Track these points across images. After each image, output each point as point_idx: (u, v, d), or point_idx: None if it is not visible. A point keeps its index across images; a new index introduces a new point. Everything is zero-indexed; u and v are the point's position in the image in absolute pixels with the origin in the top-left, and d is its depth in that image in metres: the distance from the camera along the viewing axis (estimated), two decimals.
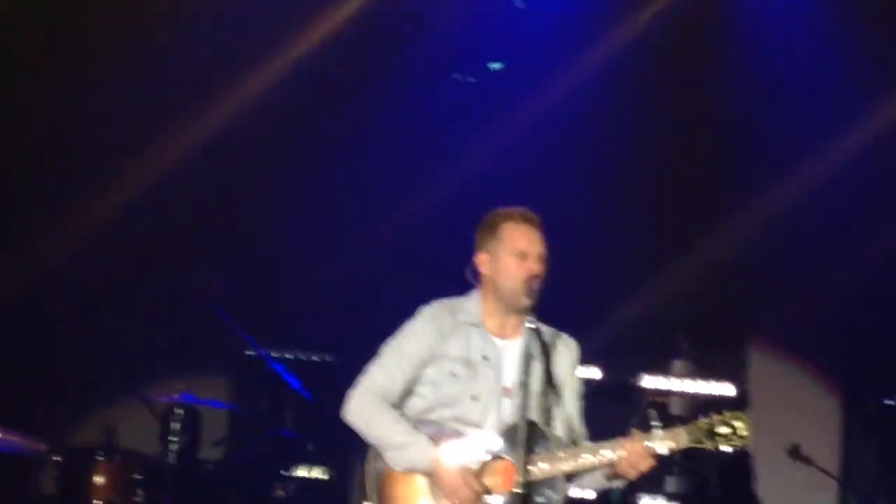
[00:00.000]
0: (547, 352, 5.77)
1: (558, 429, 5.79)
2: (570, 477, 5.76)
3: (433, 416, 5.78)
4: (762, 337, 10.27)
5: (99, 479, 8.55)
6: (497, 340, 5.85)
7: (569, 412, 5.85)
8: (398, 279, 9.43)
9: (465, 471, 5.69)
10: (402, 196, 10.01)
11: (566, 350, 5.93)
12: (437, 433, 5.75)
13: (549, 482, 5.68)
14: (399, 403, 5.83)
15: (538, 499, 5.64)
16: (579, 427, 5.89)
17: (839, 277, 10.02)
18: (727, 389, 9.82)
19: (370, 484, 5.82)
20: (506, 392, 5.78)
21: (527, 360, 5.66)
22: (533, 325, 5.70)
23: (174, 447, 8.57)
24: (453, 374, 5.79)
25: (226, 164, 9.92)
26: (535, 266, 5.77)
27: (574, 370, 5.95)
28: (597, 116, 9.95)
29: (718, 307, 10.27)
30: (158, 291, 9.86)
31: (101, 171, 9.78)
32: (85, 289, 9.90)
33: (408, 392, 5.85)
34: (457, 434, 5.75)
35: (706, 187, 10.12)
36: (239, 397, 9.81)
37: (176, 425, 8.61)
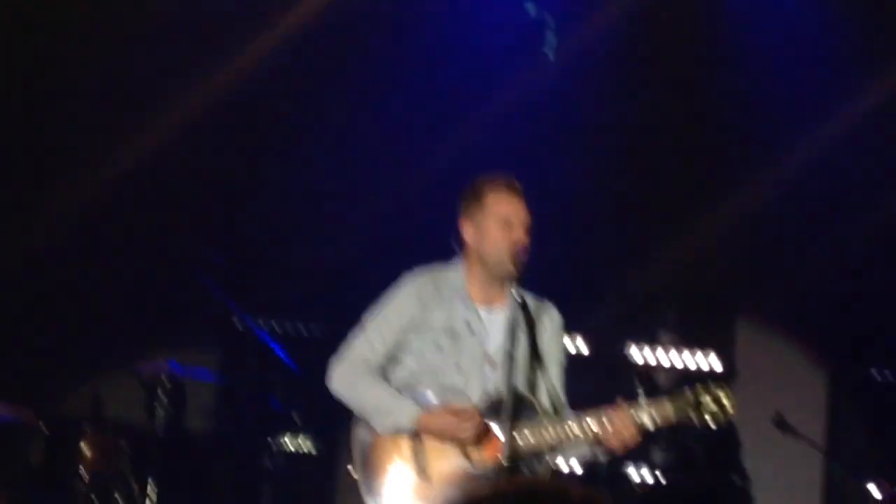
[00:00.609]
0: (532, 322, 5.76)
1: (543, 399, 5.79)
2: (555, 448, 5.76)
3: (417, 385, 5.79)
4: (750, 309, 10.27)
5: (86, 449, 8.53)
6: (481, 310, 5.84)
7: (553, 382, 5.85)
8: (386, 249, 9.41)
9: (454, 409, 5.68)
10: (390, 166, 9.98)
11: (550, 320, 5.93)
12: (422, 402, 5.75)
13: (534, 453, 5.69)
14: (382, 372, 5.83)
15: (524, 470, 5.65)
16: (562, 397, 5.88)
17: (827, 250, 10.02)
18: (714, 362, 9.83)
19: (355, 452, 5.83)
20: (490, 362, 5.78)
21: (512, 329, 5.66)
22: (518, 295, 5.69)
23: (161, 417, 8.55)
24: (437, 344, 5.78)
25: (213, 132, 9.88)
26: (520, 234, 5.76)
27: (558, 340, 5.95)
28: (587, 91, 9.92)
29: (706, 280, 10.27)
30: (146, 261, 9.84)
31: (86, 141, 9.75)
32: (71, 258, 9.88)
33: (391, 361, 5.85)
34: (441, 404, 5.75)
35: (696, 161, 10.11)
36: (226, 368, 9.78)
37: (163, 396, 8.59)
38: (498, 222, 5.78)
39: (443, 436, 5.68)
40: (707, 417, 5.70)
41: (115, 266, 9.88)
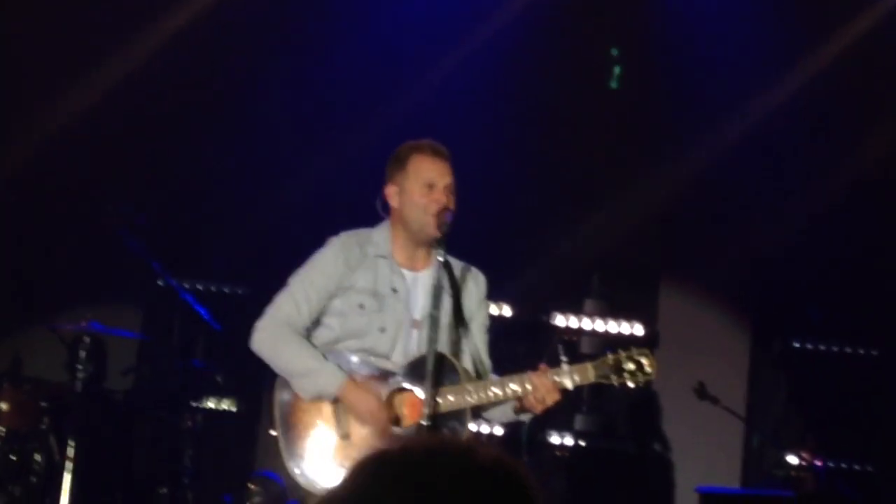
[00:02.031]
0: (456, 285, 5.75)
1: (466, 362, 5.79)
2: (477, 410, 5.77)
3: (340, 347, 5.76)
4: (674, 277, 10.33)
5: (4, 406, 8.45)
6: (406, 272, 5.82)
7: (476, 345, 5.85)
8: (312, 212, 9.37)
9: (377, 394, 5.68)
10: (317, 130, 9.94)
11: (475, 283, 5.93)
12: (344, 364, 5.73)
13: (455, 415, 5.69)
14: (306, 334, 5.79)
15: (444, 431, 5.65)
16: (486, 360, 5.89)
17: (751, 219, 10.10)
18: (638, 329, 9.88)
19: (276, 413, 5.80)
20: (414, 324, 5.77)
21: (437, 292, 5.64)
22: (443, 258, 5.68)
23: (81, 376, 8.47)
24: (361, 306, 5.76)
25: (139, 91, 9.79)
26: (442, 197, 5.72)
27: (482, 303, 5.95)
28: (517, 65, 9.93)
29: (631, 247, 10.30)
30: (68, 218, 9.74)
31: (7, 102, 9.63)
32: None
33: (315, 323, 5.81)
34: (364, 366, 5.74)
35: (624, 129, 10.14)
36: (148, 327, 9.71)
37: (83, 353, 8.50)
38: (420, 185, 5.74)
39: (358, 411, 5.66)
40: (628, 381, 5.74)
41: (37, 224, 9.77)
